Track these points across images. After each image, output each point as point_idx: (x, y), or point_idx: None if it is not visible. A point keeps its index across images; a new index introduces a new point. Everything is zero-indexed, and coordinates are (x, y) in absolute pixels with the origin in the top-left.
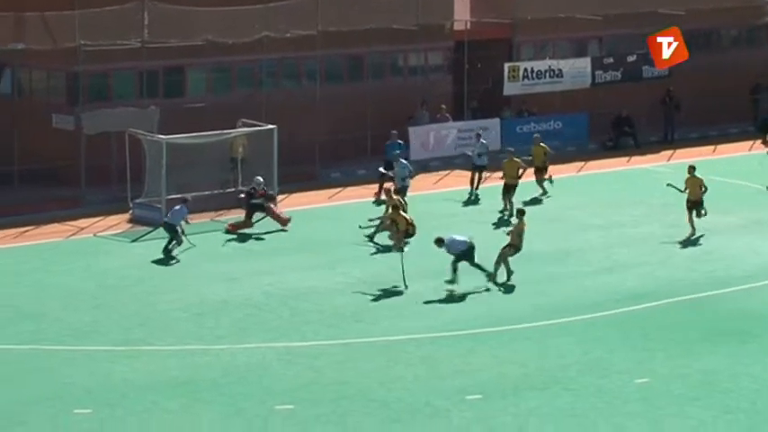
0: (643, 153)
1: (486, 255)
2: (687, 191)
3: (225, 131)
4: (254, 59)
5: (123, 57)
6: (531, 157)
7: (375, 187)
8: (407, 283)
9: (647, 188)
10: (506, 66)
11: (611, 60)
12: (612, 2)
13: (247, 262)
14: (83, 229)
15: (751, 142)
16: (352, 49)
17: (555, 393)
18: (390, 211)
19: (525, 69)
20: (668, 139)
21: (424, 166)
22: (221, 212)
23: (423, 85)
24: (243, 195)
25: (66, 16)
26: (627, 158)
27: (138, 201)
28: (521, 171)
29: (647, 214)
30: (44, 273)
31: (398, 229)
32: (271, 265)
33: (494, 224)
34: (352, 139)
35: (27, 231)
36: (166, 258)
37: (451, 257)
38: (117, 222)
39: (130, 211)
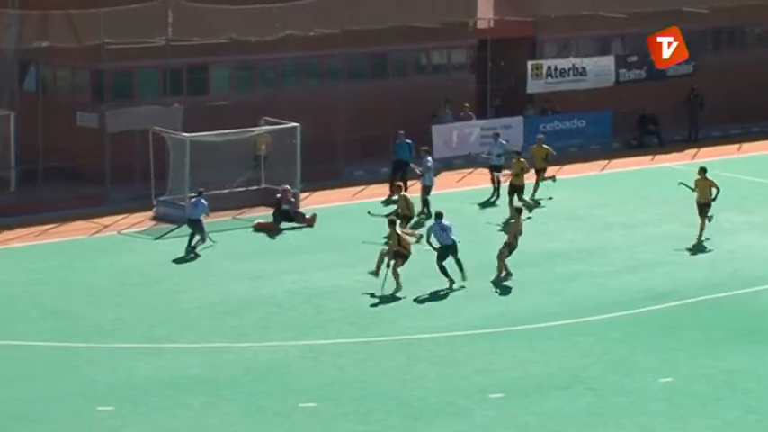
0: (667, 152)
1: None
2: (696, 192)
3: (248, 129)
4: (277, 58)
5: (147, 55)
6: (530, 158)
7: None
8: (383, 290)
9: (670, 187)
10: (529, 64)
11: (635, 59)
12: (636, 0)
13: (270, 260)
14: (107, 226)
15: None
16: (375, 47)
17: (578, 392)
18: (403, 204)
19: (549, 67)
20: (692, 138)
21: (448, 165)
22: (244, 210)
23: (446, 83)
24: (278, 196)
25: (91, 14)
26: (651, 157)
27: (161, 198)
28: (523, 171)
29: (671, 213)
30: (68, 270)
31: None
32: (294, 263)
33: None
34: (376, 138)
35: (51, 229)
36: (190, 255)
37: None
38: (141, 220)
39: (154, 209)
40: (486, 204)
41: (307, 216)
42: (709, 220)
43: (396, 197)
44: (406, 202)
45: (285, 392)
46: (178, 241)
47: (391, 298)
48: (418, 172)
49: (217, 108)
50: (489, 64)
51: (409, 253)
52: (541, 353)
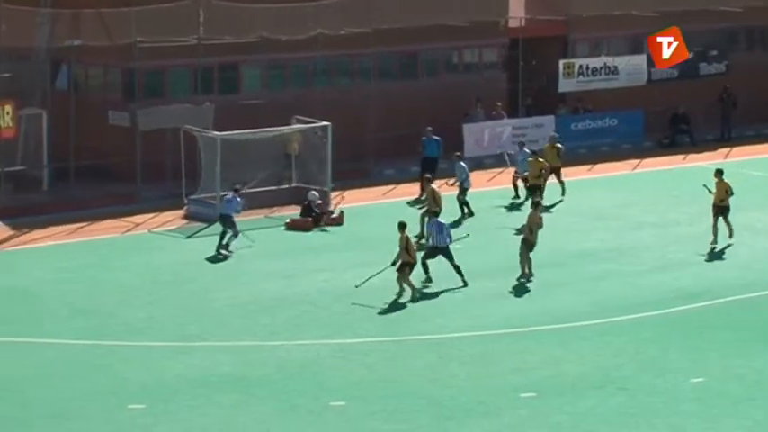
0: (699, 151)
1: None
2: (714, 195)
3: (279, 128)
4: (308, 57)
5: (179, 53)
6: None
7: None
8: (359, 284)
9: (702, 186)
10: (561, 63)
11: None
12: None
13: (302, 258)
14: (138, 225)
15: None
16: (406, 46)
17: (610, 392)
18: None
19: (580, 66)
20: (725, 137)
21: (479, 164)
22: (275, 209)
23: (477, 82)
24: (311, 203)
25: (123, 13)
26: (683, 156)
27: (192, 197)
28: (543, 172)
29: (703, 212)
30: (99, 269)
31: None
32: (325, 261)
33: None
34: (406, 137)
35: (83, 227)
36: (222, 253)
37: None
38: (172, 218)
39: (185, 208)
40: (513, 207)
41: (334, 214)
42: (730, 227)
43: (424, 196)
44: (434, 197)
45: (317, 391)
46: (209, 240)
47: (423, 296)
48: (450, 184)
49: (248, 107)
50: (521, 63)
51: (415, 261)
52: (573, 352)
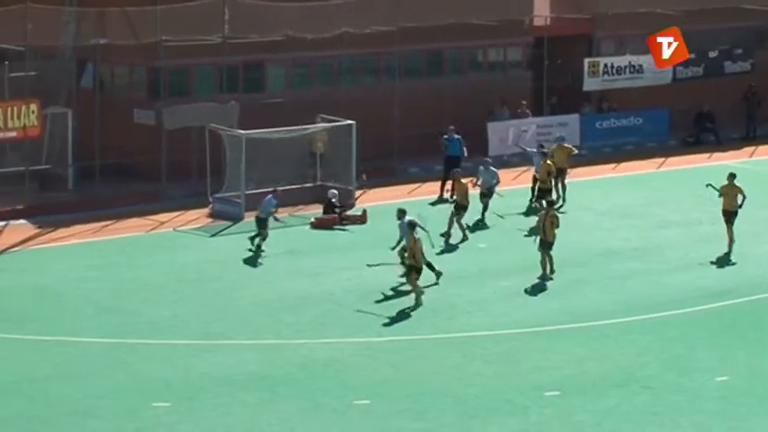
0: (724, 149)
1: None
2: (722, 199)
3: (304, 126)
4: (333, 55)
5: (204, 52)
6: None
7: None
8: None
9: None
10: (586, 61)
11: (693, 56)
12: None
13: (327, 257)
14: (163, 223)
15: None
16: (431, 44)
17: (634, 391)
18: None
19: (605, 65)
20: (750, 136)
21: (503, 162)
22: (300, 207)
23: (502, 80)
24: (333, 200)
25: (148, 12)
26: (708, 155)
27: (217, 195)
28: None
29: None
30: (124, 267)
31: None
32: (350, 260)
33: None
34: (431, 135)
35: (108, 226)
36: (253, 253)
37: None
38: (197, 217)
39: (210, 206)
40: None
41: (358, 213)
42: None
43: (446, 195)
44: (464, 191)
45: (341, 389)
46: (234, 238)
47: (448, 295)
48: (478, 185)
49: (273, 105)
50: (546, 62)
51: (421, 266)
52: (598, 351)
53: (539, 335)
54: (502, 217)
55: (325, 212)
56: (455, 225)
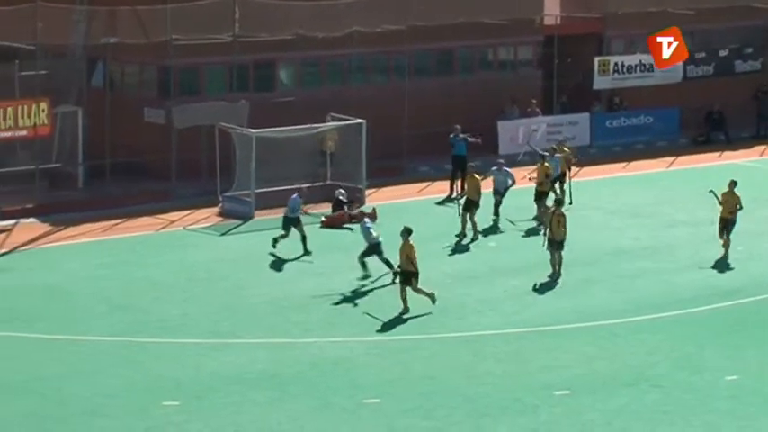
0: (734, 148)
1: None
2: (721, 207)
3: (314, 125)
4: (343, 54)
5: (214, 51)
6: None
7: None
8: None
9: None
10: (596, 60)
11: (703, 55)
12: None
13: (336, 256)
14: (173, 222)
15: None
16: (441, 43)
17: (644, 390)
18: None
19: (616, 64)
20: (760, 135)
21: (514, 161)
22: (310, 206)
23: (512, 79)
24: (341, 198)
25: (158, 11)
26: (718, 154)
27: (227, 194)
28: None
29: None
30: (134, 266)
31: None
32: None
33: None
34: (441, 134)
35: (118, 224)
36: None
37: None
38: (206, 216)
39: (220, 205)
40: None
41: (368, 212)
42: (728, 240)
43: (454, 195)
44: (475, 187)
45: (351, 388)
46: (244, 237)
47: (458, 294)
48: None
49: (283, 104)
50: (556, 60)
51: (418, 271)
52: (608, 350)
53: (548, 334)
54: (513, 223)
55: (333, 211)
56: (468, 224)
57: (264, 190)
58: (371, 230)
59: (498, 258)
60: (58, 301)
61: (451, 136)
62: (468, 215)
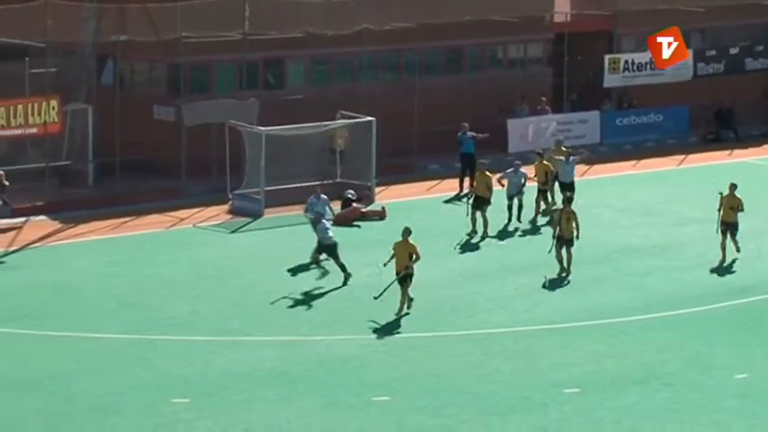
0: (744, 146)
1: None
2: (721, 211)
3: (324, 123)
4: (353, 51)
5: (224, 48)
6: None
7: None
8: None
9: (747, 182)
10: (607, 58)
11: (714, 52)
12: None
13: (346, 253)
14: (182, 219)
15: None
16: (451, 41)
17: (654, 388)
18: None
19: (626, 62)
20: None
21: (524, 159)
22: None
23: (522, 77)
24: (349, 196)
25: (168, 8)
26: (728, 152)
27: (237, 192)
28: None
29: (748, 208)
30: (144, 263)
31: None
32: (369, 256)
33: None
34: (451, 132)
35: (128, 222)
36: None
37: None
38: (216, 213)
39: (230, 202)
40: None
41: (377, 209)
42: (737, 245)
43: (463, 193)
44: (485, 183)
45: (359, 386)
46: (254, 234)
47: (468, 293)
48: (502, 185)
49: (292, 102)
50: (566, 58)
51: (413, 271)
52: (617, 348)
53: (558, 332)
54: (520, 222)
55: (343, 209)
56: (479, 221)
57: (274, 187)
58: (329, 231)
59: (508, 256)
60: (68, 299)
61: (459, 134)
62: (479, 212)
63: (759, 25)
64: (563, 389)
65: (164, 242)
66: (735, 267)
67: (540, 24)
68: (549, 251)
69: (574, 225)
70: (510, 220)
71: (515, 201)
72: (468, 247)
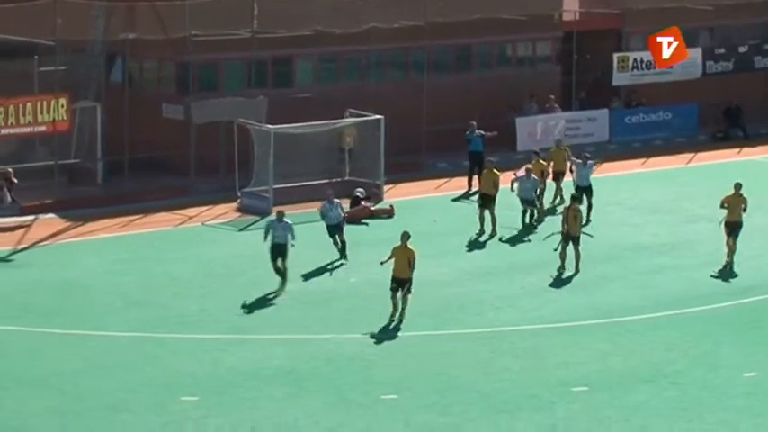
0: (753, 145)
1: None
2: (726, 211)
3: (333, 121)
4: (361, 50)
5: (232, 47)
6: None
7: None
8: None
9: (756, 180)
10: (615, 56)
11: (723, 51)
12: None
13: (355, 251)
14: (191, 217)
15: None
16: (459, 39)
17: (661, 387)
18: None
19: (635, 60)
20: None
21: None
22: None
23: (531, 75)
24: (358, 194)
25: (177, 6)
26: (737, 150)
27: (245, 190)
28: (568, 163)
29: (757, 206)
30: (153, 261)
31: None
32: (377, 255)
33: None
34: (459, 130)
35: (136, 220)
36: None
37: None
38: (225, 211)
39: (238, 201)
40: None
41: (386, 207)
42: (734, 246)
43: (471, 191)
44: (491, 181)
45: (367, 384)
46: (262, 233)
47: (476, 291)
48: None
49: (301, 100)
50: (575, 56)
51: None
52: (625, 347)
53: (567, 330)
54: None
55: (351, 207)
56: (487, 219)
57: (283, 186)
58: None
59: (516, 255)
60: (76, 297)
61: (467, 132)
62: (486, 211)
63: (767, 23)
64: (571, 387)
65: (172, 240)
66: (742, 266)
67: (548, 23)
68: (556, 249)
69: (581, 223)
70: (524, 225)
71: (529, 211)
72: (475, 245)
